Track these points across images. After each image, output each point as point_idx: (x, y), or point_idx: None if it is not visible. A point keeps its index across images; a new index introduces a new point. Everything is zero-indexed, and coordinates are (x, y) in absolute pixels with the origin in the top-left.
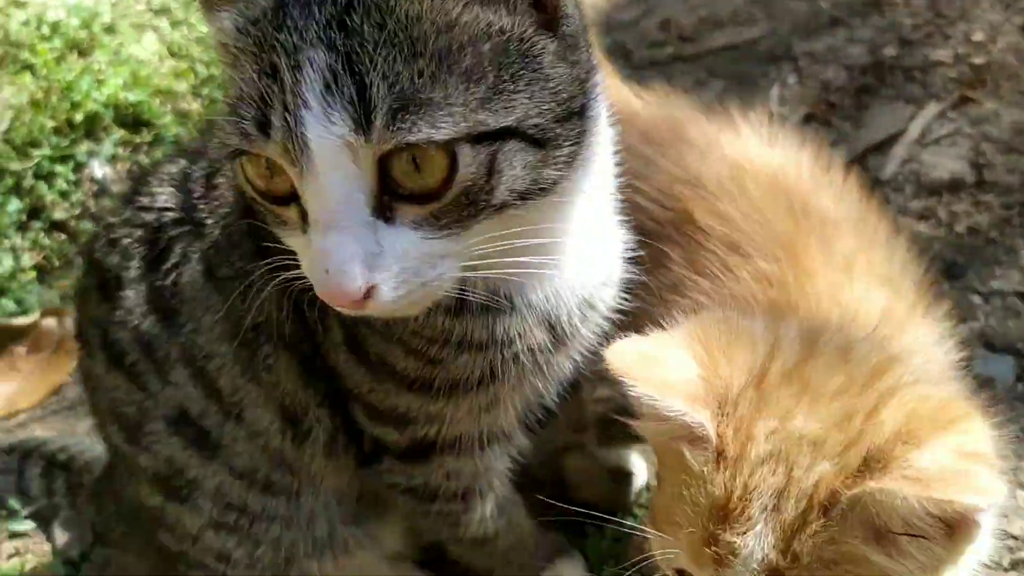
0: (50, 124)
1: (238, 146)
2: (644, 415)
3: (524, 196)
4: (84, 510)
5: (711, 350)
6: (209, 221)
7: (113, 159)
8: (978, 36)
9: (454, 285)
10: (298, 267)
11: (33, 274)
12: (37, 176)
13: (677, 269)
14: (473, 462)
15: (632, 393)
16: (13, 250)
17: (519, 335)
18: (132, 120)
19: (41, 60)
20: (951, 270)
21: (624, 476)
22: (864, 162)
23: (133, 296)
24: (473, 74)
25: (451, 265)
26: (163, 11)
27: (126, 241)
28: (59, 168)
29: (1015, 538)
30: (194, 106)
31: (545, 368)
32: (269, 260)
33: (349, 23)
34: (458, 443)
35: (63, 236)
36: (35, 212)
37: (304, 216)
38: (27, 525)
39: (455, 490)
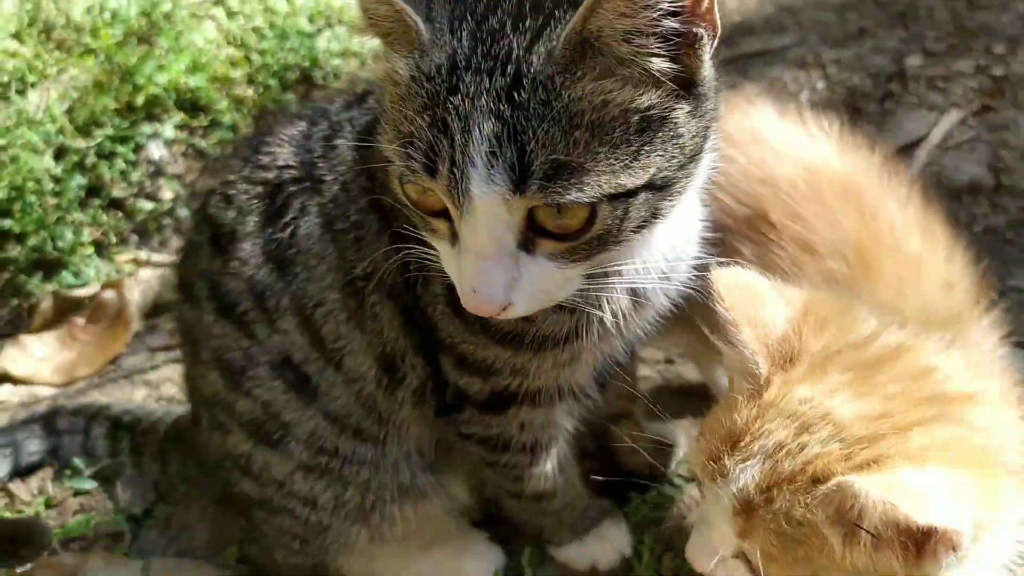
0: (112, 106)
1: (403, 175)
2: (722, 335)
3: (642, 228)
4: (148, 469)
5: (807, 313)
6: (328, 178)
7: (170, 142)
8: (998, 49)
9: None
10: (419, 244)
11: (92, 248)
12: (99, 155)
13: (747, 264)
14: (545, 414)
15: (719, 311)
16: (74, 225)
17: (607, 300)
18: (190, 104)
19: (104, 44)
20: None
21: (667, 448)
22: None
23: (249, 248)
24: (619, 144)
25: (574, 284)
26: (219, 2)
27: (243, 198)
28: (120, 148)
29: None
30: (249, 92)
31: (624, 330)
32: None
33: (516, 97)
34: (537, 395)
35: (119, 214)
36: (95, 190)
37: (453, 232)
38: (91, 484)
39: (525, 442)
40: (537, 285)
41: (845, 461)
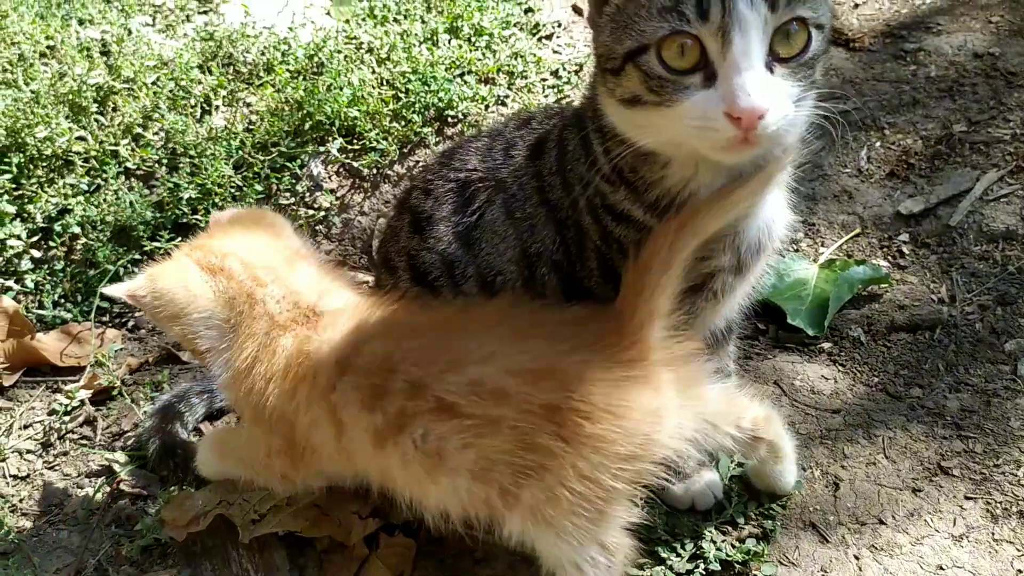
0: (285, 128)
1: (673, 29)
2: None
3: (815, 86)
4: None
5: None
6: (508, 180)
7: (328, 161)
8: None
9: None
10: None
11: None
12: (271, 168)
13: None
14: None
15: None
16: None
17: (715, 252)
18: (347, 131)
19: (278, 78)
20: (1004, 298)
21: None
22: (936, 211)
23: (443, 229)
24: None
25: (794, 116)
26: (370, 50)
27: (440, 191)
28: (289, 164)
29: None
30: (395, 124)
31: (727, 291)
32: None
33: None
34: None
35: None
36: (266, 198)
37: (708, 75)
38: None
39: None
40: (779, 98)
41: None
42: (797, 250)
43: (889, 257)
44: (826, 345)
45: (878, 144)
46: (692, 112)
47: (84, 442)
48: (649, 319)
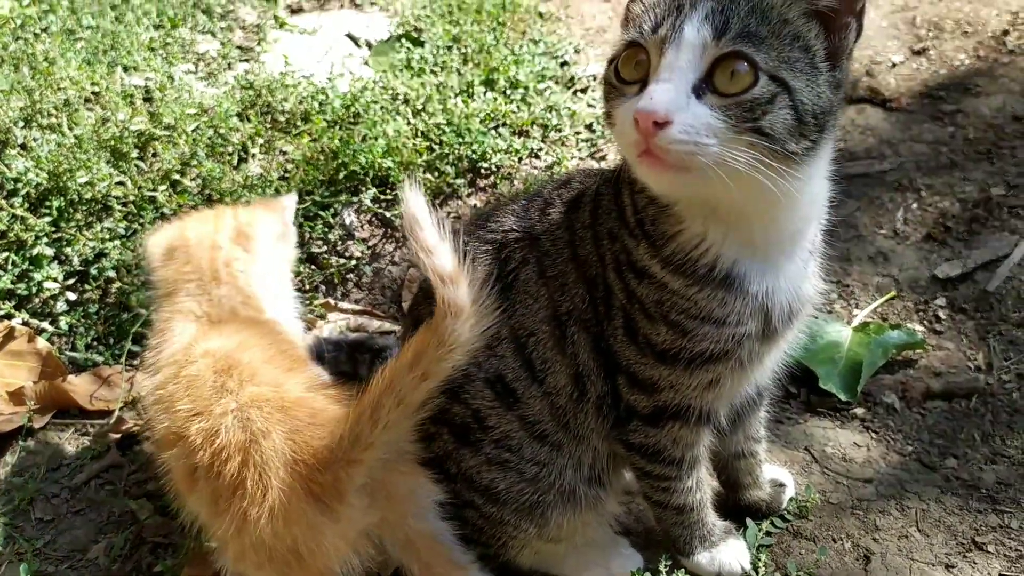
0: (320, 177)
1: (633, 38)
2: None
3: (771, 145)
4: None
5: None
6: (543, 237)
7: (361, 210)
8: None
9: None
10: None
11: None
12: (305, 217)
13: None
14: (692, 433)
15: None
16: None
17: (739, 319)
18: (380, 181)
19: (315, 128)
20: None
21: (779, 486)
22: (973, 276)
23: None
24: (785, 47)
25: (716, 150)
26: (405, 101)
27: (477, 252)
28: (322, 213)
29: None
30: (428, 176)
31: (754, 359)
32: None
33: None
34: (687, 412)
35: (313, 266)
36: (299, 246)
37: (643, 83)
38: None
39: (674, 455)
40: (693, 121)
41: None
42: (831, 312)
43: (925, 322)
44: (859, 411)
45: (915, 205)
46: (620, 117)
47: (110, 487)
48: (359, 460)
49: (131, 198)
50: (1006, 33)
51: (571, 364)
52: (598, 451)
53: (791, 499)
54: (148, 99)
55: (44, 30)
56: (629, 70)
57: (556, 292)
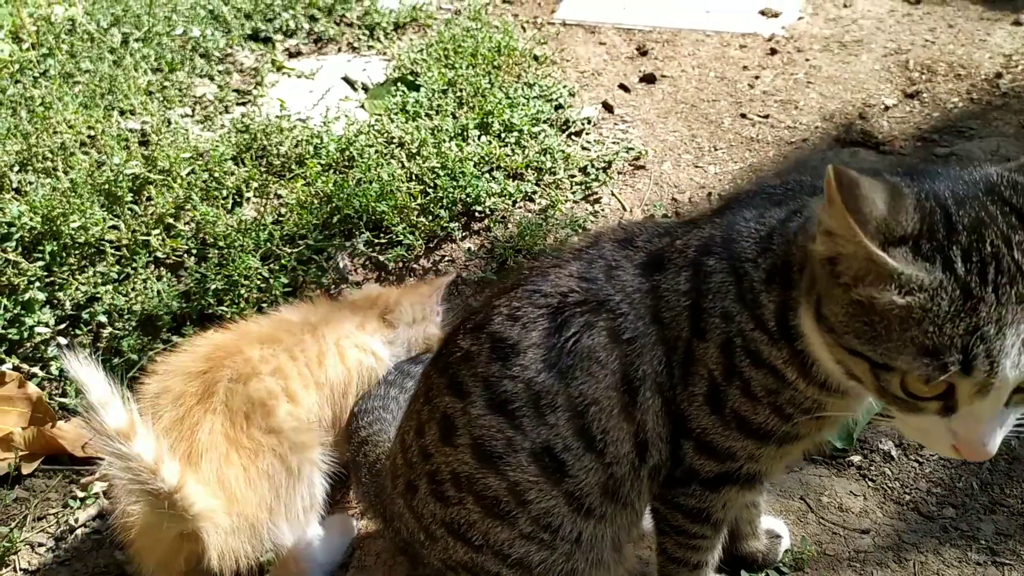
0: (313, 221)
1: (930, 376)
2: None
3: None
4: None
5: None
6: (616, 299)
7: (355, 254)
8: None
9: None
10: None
11: None
12: (299, 261)
13: None
14: (747, 495)
15: None
16: None
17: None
18: (374, 225)
19: (310, 172)
20: None
21: (775, 537)
22: None
23: (531, 356)
24: None
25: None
26: (400, 144)
27: (528, 317)
28: (316, 256)
29: None
30: (422, 219)
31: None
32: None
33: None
34: (753, 478)
35: None
36: (293, 290)
37: (947, 408)
38: None
39: (720, 517)
40: (1007, 428)
41: None
42: None
43: None
44: (855, 459)
45: None
46: (917, 424)
47: (96, 536)
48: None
49: (124, 242)
50: (999, 76)
51: (638, 431)
52: (638, 514)
53: (786, 551)
54: (144, 143)
55: (43, 74)
56: (920, 389)
57: (631, 355)
